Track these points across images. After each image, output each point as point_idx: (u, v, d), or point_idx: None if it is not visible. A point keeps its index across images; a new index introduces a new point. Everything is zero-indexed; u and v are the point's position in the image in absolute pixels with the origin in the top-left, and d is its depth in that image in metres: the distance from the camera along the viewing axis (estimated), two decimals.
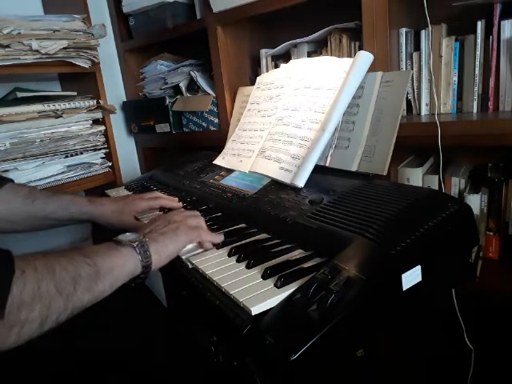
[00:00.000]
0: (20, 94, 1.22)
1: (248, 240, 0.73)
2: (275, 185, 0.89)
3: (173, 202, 0.93)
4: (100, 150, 1.39)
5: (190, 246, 0.73)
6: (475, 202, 0.86)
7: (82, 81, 1.37)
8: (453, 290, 0.82)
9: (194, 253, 0.71)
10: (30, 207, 0.83)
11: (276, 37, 1.28)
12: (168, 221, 0.70)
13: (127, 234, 0.63)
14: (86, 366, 0.77)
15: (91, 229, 1.53)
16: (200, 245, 0.72)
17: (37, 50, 1.13)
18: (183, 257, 0.70)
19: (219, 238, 0.73)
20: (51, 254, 0.52)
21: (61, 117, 1.26)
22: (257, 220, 0.79)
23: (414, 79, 0.95)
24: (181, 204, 0.94)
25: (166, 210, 0.92)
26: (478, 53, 0.86)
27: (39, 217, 0.85)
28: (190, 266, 0.68)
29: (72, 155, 1.32)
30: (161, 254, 0.63)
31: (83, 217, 0.88)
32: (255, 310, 0.51)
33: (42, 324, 0.48)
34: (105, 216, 0.88)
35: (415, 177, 0.92)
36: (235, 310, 0.53)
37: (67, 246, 1.49)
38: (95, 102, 1.34)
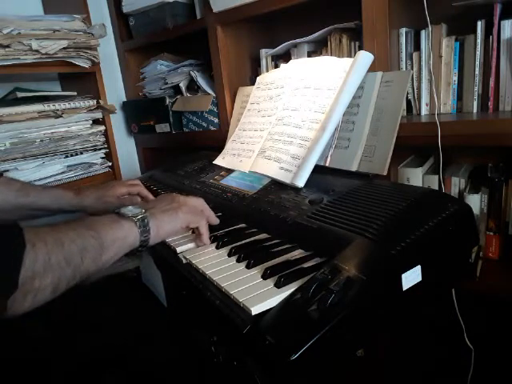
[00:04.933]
0: (20, 94, 1.22)
1: (248, 240, 0.73)
2: (275, 185, 0.89)
3: (150, 194, 1.01)
4: (100, 149, 1.40)
5: (189, 245, 0.73)
6: (475, 202, 0.86)
7: (82, 81, 1.37)
8: (453, 290, 0.82)
9: (194, 252, 0.71)
10: (23, 200, 0.89)
11: (276, 37, 1.28)
12: (172, 200, 0.71)
13: (130, 207, 0.65)
14: (85, 365, 0.77)
15: None
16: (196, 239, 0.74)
17: (37, 50, 1.13)
18: (180, 253, 0.71)
19: (208, 240, 0.74)
20: (60, 226, 0.56)
21: (61, 117, 1.26)
22: (257, 220, 0.79)
23: (414, 79, 0.95)
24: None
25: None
26: (478, 53, 0.86)
27: (32, 208, 0.91)
28: (184, 261, 0.70)
29: (72, 155, 1.32)
30: (159, 230, 0.65)
31: (72, 208, 0.96)
32: (255, 310, 0.51)
33: (53, 290, 0.52)
34: (91, 204, 0.95)
35: (415, 177, 0.92)
36: (235, 310, 0.53)
37: None
38: (95, 102, 1.34)
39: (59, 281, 0.52)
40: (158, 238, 0.66)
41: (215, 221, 0.78)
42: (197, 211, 0.73)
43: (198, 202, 0.75)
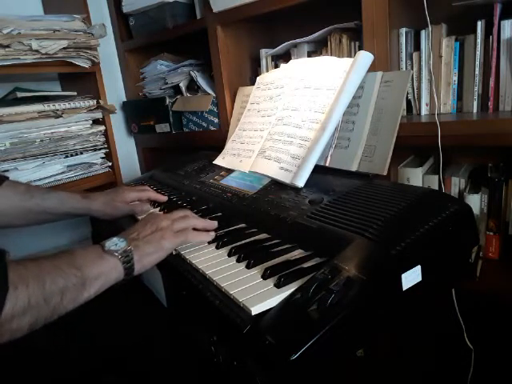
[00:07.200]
0: (20, 94, 1.22)
1: (248, 240, 0.73)
2: (275, 185, 0.89)
3: (159, 196, 1.00)
4: (100, 149, 1.39)
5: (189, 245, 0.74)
6: (475, 202, 0.86)
7: (82, 81, 1.37)
8: (453, 290, 0.82)
9: (194, 252, 0.71)
10: (27, 203, 0.88)
11: (276, 37, 1.28)
12: (155, 227, 0.69)
13: (114, 239, 0.64)
14: (86, 365, 0.77)
15: (90, 229, 1.53)
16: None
17: (37, 50, 1.13)
18: (182, 252, 0.71)
19: (208, 236, 0.73)
20: (44, 263, 0.55)
21: (61, 117, 1.26)
22: (257, 220, 0.79)
23: (414, 79, 0.95)
24: (166, 198, 1.00)
25: (156, 204, 0.99)
26: (478, 53, 0.86)
27: (36, 211, 0.89)
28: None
29: (72, 155, 1.32)
30: (144, 262, 0.64)
31: (79, 212, 0.93)
32: (255, 310, 0.51)
33: (30, 328, 0.52)
34: (99, 208, 0.93)
35: (415, 177, 0.92)
36: (235, 309, 0.53)
37: (66, 246, 1.50)
38: (95, 102, 1.34)
39: (37, 319, 0.52)
40: (142, 268, 0.64)
41: (207, 238, 0.74)
42: (185, 229, 0.71)
43: (184, 225, 0.71)
